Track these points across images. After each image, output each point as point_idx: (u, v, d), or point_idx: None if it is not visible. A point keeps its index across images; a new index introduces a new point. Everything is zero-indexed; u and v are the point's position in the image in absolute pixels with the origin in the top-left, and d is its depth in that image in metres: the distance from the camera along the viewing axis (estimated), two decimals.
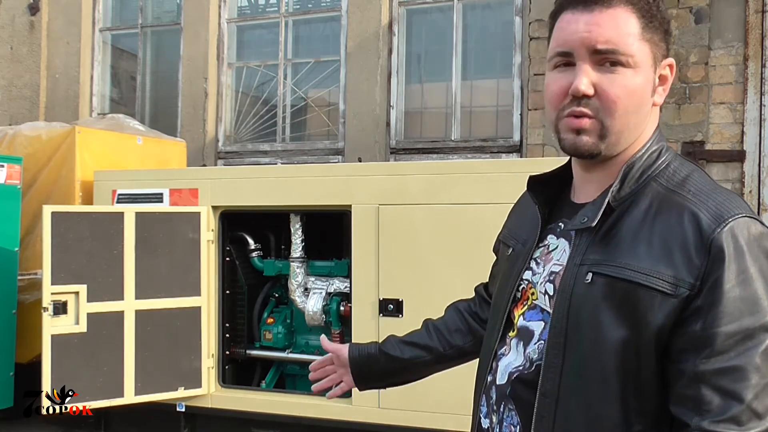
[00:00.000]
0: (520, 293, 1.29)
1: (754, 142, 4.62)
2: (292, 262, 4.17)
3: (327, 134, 6.40)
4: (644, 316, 1.08)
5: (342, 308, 4.04)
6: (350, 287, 3.87)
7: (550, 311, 1.20)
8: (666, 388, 1.10)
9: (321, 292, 4.13)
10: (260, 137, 6.59)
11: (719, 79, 4.68)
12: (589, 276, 1.14)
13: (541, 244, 1.29)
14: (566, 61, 1.17)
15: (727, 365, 1.04)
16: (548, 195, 1.31)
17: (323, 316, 4.10)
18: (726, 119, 4.67)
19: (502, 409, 1.26)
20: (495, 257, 1.54)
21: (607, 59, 1.14)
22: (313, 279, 4.18)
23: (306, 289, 4.17)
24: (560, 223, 1.27)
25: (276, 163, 6.25)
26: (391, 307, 3.68)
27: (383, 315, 3.70)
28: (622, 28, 1.14)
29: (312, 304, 4.10)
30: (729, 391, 1.03)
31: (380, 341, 1.71)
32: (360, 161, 5.44)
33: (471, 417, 1.40)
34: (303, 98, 6.51)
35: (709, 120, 4.69)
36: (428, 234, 3.64)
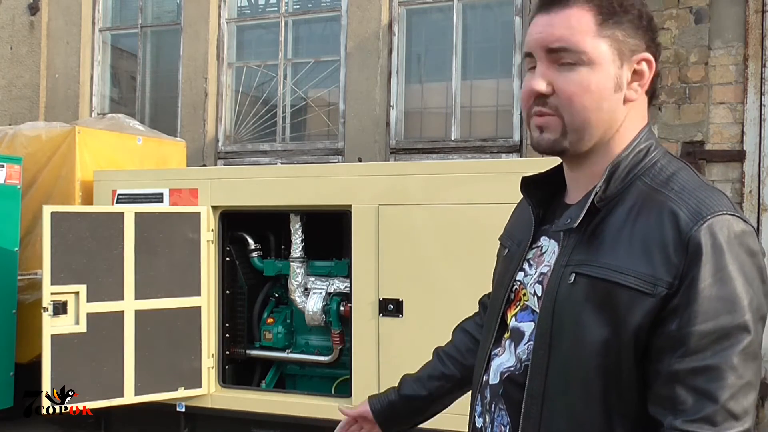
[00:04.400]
0: (513, 294, 1.30)
1: (754, 142, 4.62)
2: (292, 262, 4.17)
3: (327, 134, 6.40)
4: (624, 316, 1.08)
5: (342, 308, 4.04)
6: (350, 287, 3.87)
7: (539, 313, 1.21)
8: (647, 390, 1.09)
9: (321, 292, 4.13)
10: (260, 137, 6.59)
11: (719, 79, 4.68)
12: (572, 276, 1.14)
13: (534, 245, 1.29)
14: (533, 63, 1.20)
15: (702, 365, 1.03)
16: (542, 196, 1.31)
17: (323, 316, 4.10)
18: (726, 119, 4.66)
19: (493, 409, 1.28)
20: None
21: (561, 58, 1.16)
22: (313, 279, 4.18)
23: (306, 289, 4.17)
24: (553, 225, 1.28)
25: (276, 163, 6.24)
26: (391, 307, 3.68)
27: (383, 315, 3.70)
28: (574, 26, 1.15)
29: (312, 304, 4.10)
30: (703, 391, 1.03)
31: (396, 386, 1.66)
32: (360, 161, 5.44)
33: (468, 417, 1.41)
34: (303, 98, 6.51)
35: (709, 120, 4.69)
36: (428, 234, 3.64)
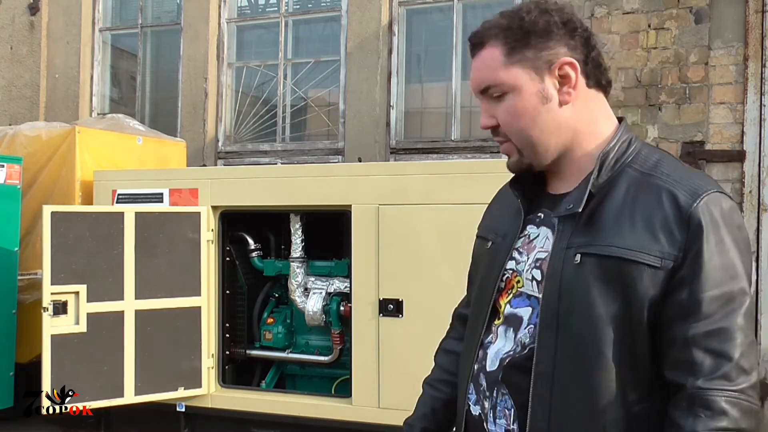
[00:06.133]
0: (503, 283, 1.36)
1: (754, 142, 4.61)
2: (292, 262, 4.17)
3: (327, 134, 6.39)
4: (635, 290, 1.17)
5: (342, 308, 4.04)
6: (350, 287, 3.87)
7: (539, 296, 1.27)
8: (660, 358, 1.19)
9: (321, 292, 4.13)
10: (260, 137, 6.59)
11: (719, 79, 4.67)
12: (578, 257, 1.22)
13: (521, 235, 1.36)
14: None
15: (715, 327, 1.14)
16: (526, 189, 1.39)
17: (323, 316, 4.10)
18: (726, 119, 4.66)
19: (495, 394, 1.31)
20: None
21: (491, 93, 1.30)
22: (313, 279, 4.18)
23: (306, 289, 4.17)
24: (540, 213, 1.35)
25: (276, 163, 6.24)
26: (391, 307, 3.68)
27: (383, 315, 3.70)
28: (488, 64, 1.29)
29: (312, 304, 4.10)
30: (718, 351, 1.14)
31: None
32: (360, 161, 5.44)
33: (458, 408, 1.42)
34: (303, 98, 6.50)
35: (709, 120, 4.68)
36: (428, 234, 3.64)
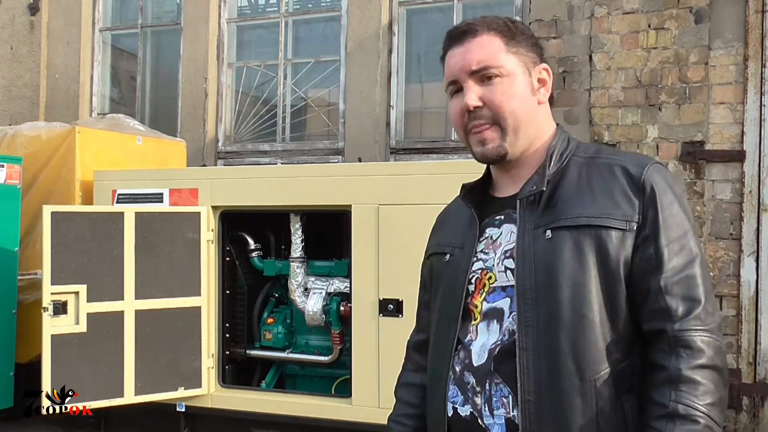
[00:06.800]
0: (473, 285, 1.41)
1: (754, 142, 4.61)
2: (292, 262, 4.17)
3: (327, 134, 6.39)
4: (607, 253, 1.28)
5: (342, 308, 4.04)
6: (350, 287, 3.87)
7: (513, 284, 1.33)
8: (637, 313, 1.29)
9: (321, 292, 4.13)
10: (260, 137, 6.59)
11: (719, 79, 4.67)
12: (549, 233, 1.31)
13: (481, 239, 1.43)
14: (457, 87, 1.41)
15: (682, 276, 1.27)
16: (476, 199, 1.49)
17: (323, 316, 4.10)
18: (726, 119, 4.66)
19: (488, 387, 1.32)
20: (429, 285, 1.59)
21: (483, 75, 1.37)
22: (313, 279, 4.18)
23: (306, 289, 4.17)
24: (498, 216, 1.43)
25: (276, 163, 6.24)
26: (391, 307, 3.68)
27: (383, 315, 3.70)
28: (487, 48, 1.38)
29: (312, 304, 4.10)
30: (688, 297, 1.26)
31: None
32: (360, 161, 5.44)
33: (433, 419, 1.41)
34: (303, 98, 6.50)
35: (709, 120, 4.68)
36: (428, 234, 3.63)
